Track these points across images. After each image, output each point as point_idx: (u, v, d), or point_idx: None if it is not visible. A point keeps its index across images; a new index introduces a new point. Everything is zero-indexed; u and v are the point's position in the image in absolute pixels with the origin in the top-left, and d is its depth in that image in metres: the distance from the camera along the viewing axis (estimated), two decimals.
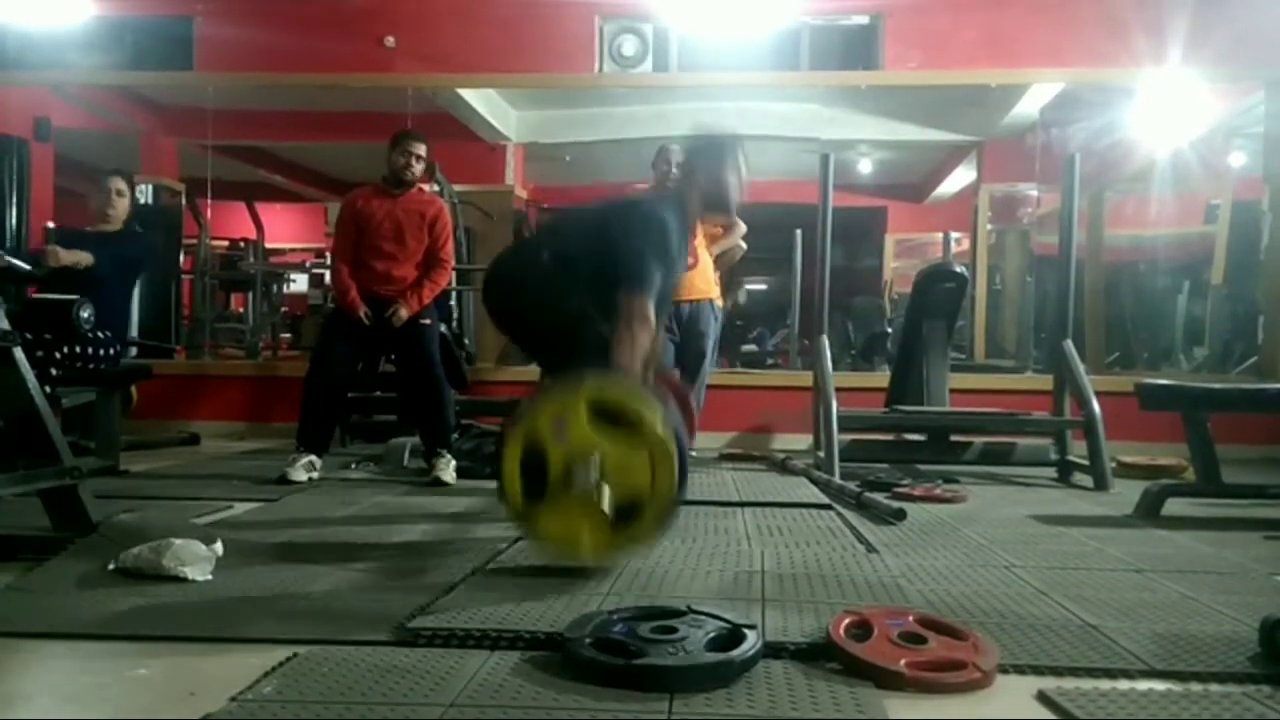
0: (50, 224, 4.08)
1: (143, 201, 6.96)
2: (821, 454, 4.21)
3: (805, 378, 5.12)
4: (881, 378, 5.56)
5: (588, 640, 1.65)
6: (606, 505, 2.14)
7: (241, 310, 8.99)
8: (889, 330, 7.97)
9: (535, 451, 2.19)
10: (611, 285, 2.63)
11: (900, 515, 3.13)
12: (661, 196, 2.94)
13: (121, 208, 4.33)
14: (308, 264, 9.31)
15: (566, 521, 2.18)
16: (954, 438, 4.55)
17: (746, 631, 1.68)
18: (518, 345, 3.20)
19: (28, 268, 3.50)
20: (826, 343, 4.42)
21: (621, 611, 1.81)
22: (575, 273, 2.71)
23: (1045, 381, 4.74)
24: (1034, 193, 7.05)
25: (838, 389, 4.24)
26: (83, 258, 3.99)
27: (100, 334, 3.94)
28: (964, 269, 4.96)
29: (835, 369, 4.42)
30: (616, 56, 5.81)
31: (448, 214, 4.29)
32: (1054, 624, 1.93)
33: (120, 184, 4.33)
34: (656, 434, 2.17)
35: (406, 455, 4.35)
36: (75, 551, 2.36)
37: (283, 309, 8.99)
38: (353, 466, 4.29)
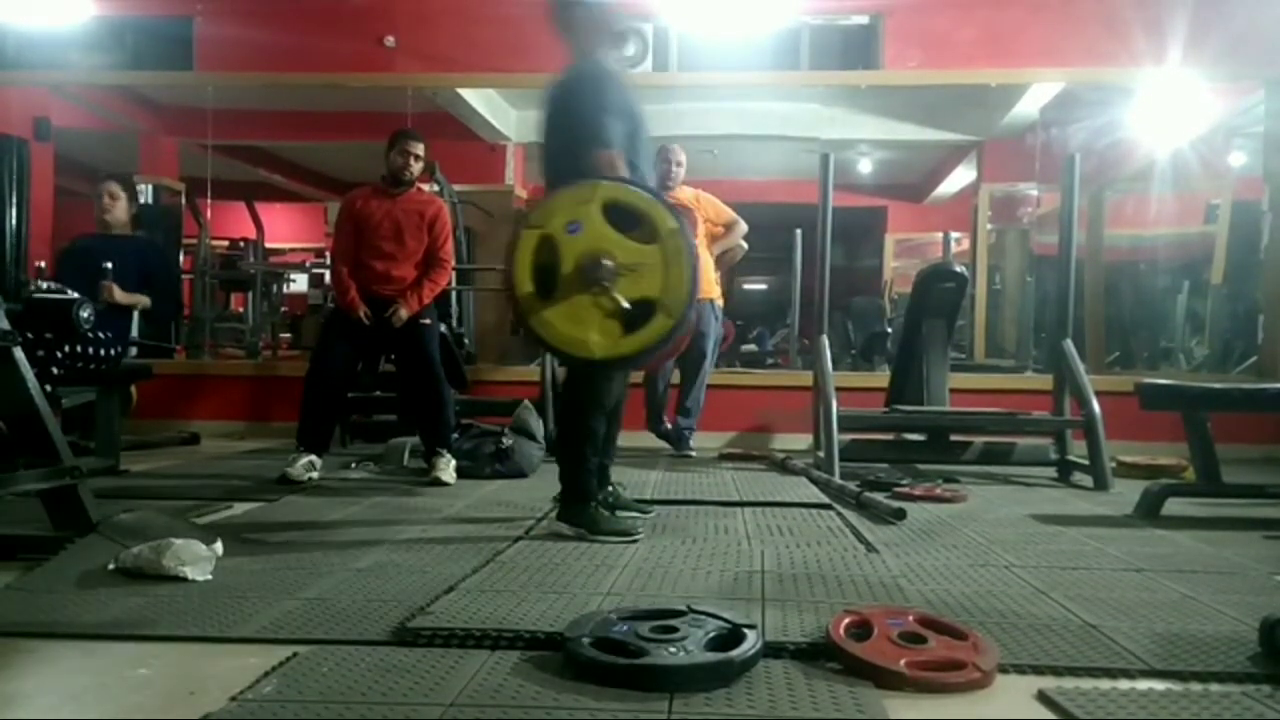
0: (106, 265, 4.21)
1: (143, 201, 6.96)
2: (821, 454, 4.21)
3: (805, 377, 5.12)
4: (881, 377, 5.56)
5: (588, 640, 1.65)
6: (622, 299, 2.10)
7: (241, 310, 9.00)
8: (889, 330, 7.97)
9: (548, 248, 2.16)
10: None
11: (900, 515, 3.13)
12: (570, 67, 2.89)
13: (119, 210, 4.39)
14: (307, 264, 9.32)
15: (576, 320, 2.14)
16: (954, 437, 4.54)
17: (746, 631, 1.68)
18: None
19: (88, 312, 3.49)
20: (826, 342, 4.42)
21: (621, 611, 1.81)
22: (562, 176, 2.64)
23: (1045, 381, 4.74)
24: (1034, 192, 7.06)
25: (837, 389, 4.24)
26: (140, 300, 4.26)
27: (100, 334, 3.94)
28: (964, 269, 4.95)
29: (835, 369, 4.42)
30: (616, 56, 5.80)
31: (447, 214, 4.29)
32: (1054, 624, 1.93)
33: (113, 187, 4.41)
34: (671, 233, 2.14)
35: (406, 455, 4.34)
36: (75, 551, 2.36)
37: (283, 309, 9.00)
38: (353, 466, 4.29)
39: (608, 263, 2.09)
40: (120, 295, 4.08)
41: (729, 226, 4.97)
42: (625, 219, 2.17)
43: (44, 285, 3.46)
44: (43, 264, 5.05)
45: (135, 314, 4.51)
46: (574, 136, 2.66)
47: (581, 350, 2.16)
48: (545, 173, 2.87)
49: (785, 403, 5.47)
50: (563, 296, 2.14)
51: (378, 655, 1.69)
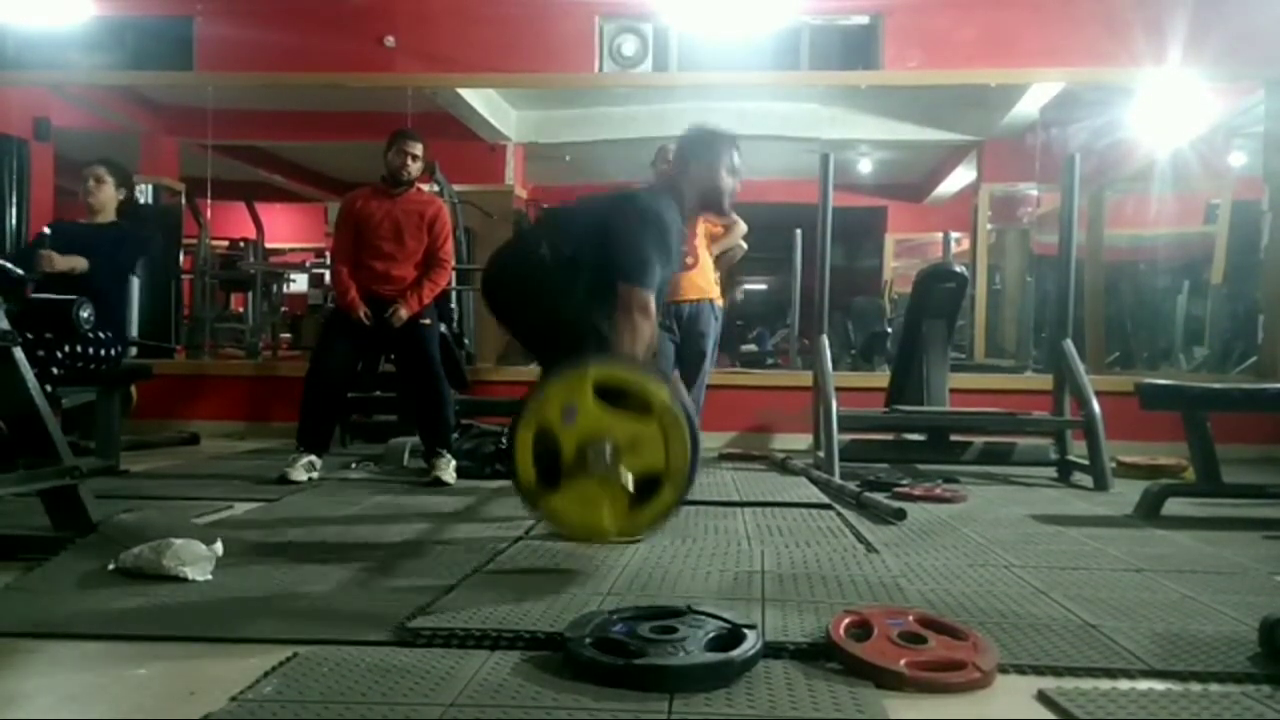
0: (46, 228, 4.03)
1: (143, 201, 6.97)
2: (821, 454, 4.21)
3: (805, 377, 5.12)
4: (881, 377, 5.56)
5: (588, 640, 1.65)
6: (627, 482, 2.13)
7: (241, 310, 9.00)
8: (889, 330, 7.97)
9: (546, 439, 2.19)
10: (611, 281, 2.63)
11: (900, 515, 3.13)
12: (658, 191, 2.93)
13: (105, 195, 4.20)
14: (307, 264, 9.32)
15: (586, 504, 2.17)
16: (954, 437, 4.54)
17: (746, 631, 1.68)
18: (517, 340, 3.21)
19: (20, 272, 3.48)
20: (826, 342, 4.42)
21: (621, 611, 1.81)
22: (574, 268, 2.71)
23: (1045, 381, 4.74)
24: (1034, 192, 7.06)
25: (837, 389, 4.24)
26: (78, 263, 3.92)
27: (100, 334, 3.94)
28: (964, 269, 4.96)
29: (835, 369, 4.42)
30: (616, 56, 5.81)
31: (447, 214, 4.29)
32: (1054, 624, 1.93)
33: (100, 171, 4.22)
34: (665, 407, 2.16)
35: (406, 455, 4.35)
36: (75, 551, 2.36)
37: (282, 309, 9.00)
38: (353, 466, 4.29)
39: (608, 446, 2.13)
40: (59, 261, 3.84)
41: (728, 227, 4.96)
42: (619, 395, 2.20)
43: None
44: None
45: (135, 314, 4.50)
46: (619, 257, 2.65)
47: (597, 534, 2.23)
48: (555, 231, 2.86)
49: (785, 403, 5.47)
50: (569, 484, 2.19)
51: (378, 655, 1.69)
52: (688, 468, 2.19)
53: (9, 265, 3.42)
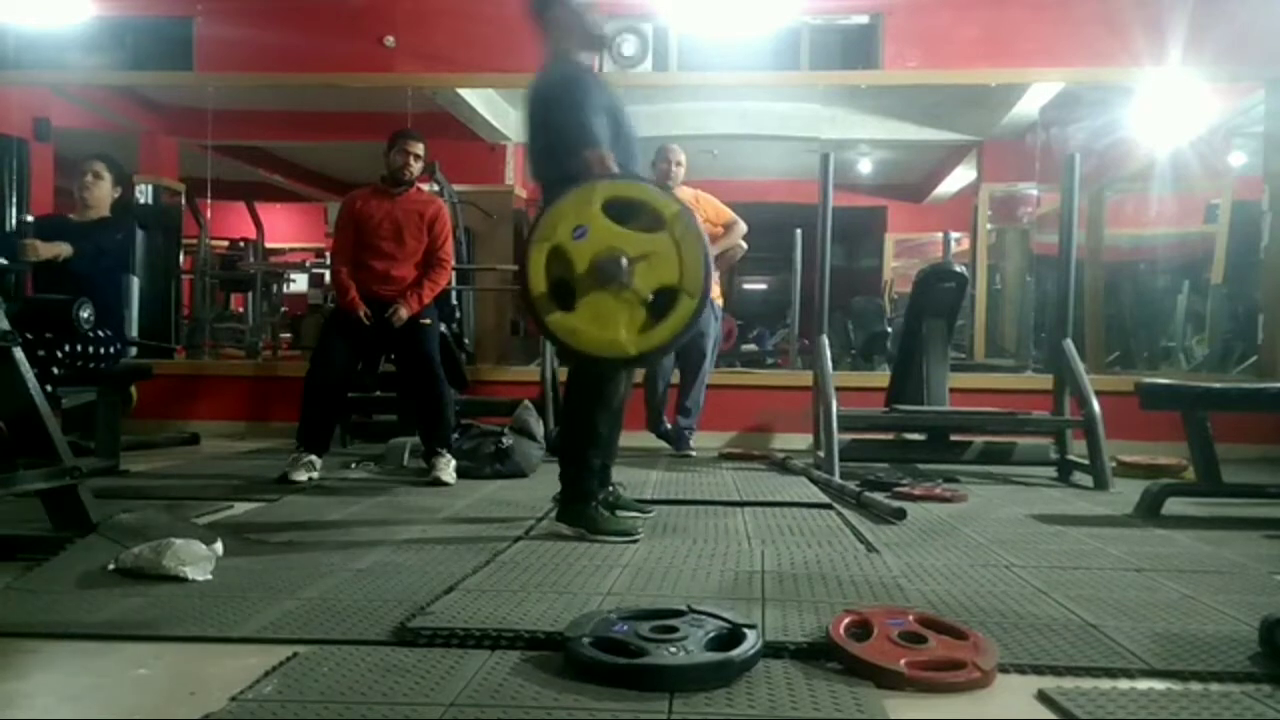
0: (30, 216, 3.97)
1: (143, 201, 6.97)
2: (821, 453, 4.21)
3: (805, 377, 5.12)
4: (881, 377, 5.56)
5: (588, 640, 1.65)
6: (646, 293, 2.10)
7: (241, 310, 9.00)
8: (889, 330, 7.98)
9: (558, 259, 2.16)
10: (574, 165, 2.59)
11: (900, 515, 3.13)
12: (546, 66, 2.89)
13: (100, 192, 4.18)
14: (308, 264, 9.32)
15: (602, 320, 2.13)
16: (954, 437, 4.55)
17: (746, 631, 1.68)
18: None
19: (4, 262, 3.47)
20: (826, 342, 4.41)
21: (622, 611, 1.81)
22: (553, 184, 2.65)
23: (1045, 381, 4.74)
24: (1034, 192, 7.06)
25: (837, 388, 4.24)
26: (62, 249, 3.89)
27: (100, 333, 3.94)
28: (964, 269, 4.95)
29: (835, 368, 4.42)
30: (616, 56, 5.81)
31: (447, 214, 4.29)
32: (1054, 623, 1.93)
33: (98, 166, 4.19)
34: (676, 216, 2.14)
35: (406, 455, 4.35)
36: (75, 551, 2.36)
37: (282, 309, 9.00)
38: (353, 466, 4.29)
39: (622, 258, 2.09)
40: (43, 249, 3.81)
41: (728, 227, 4.96)
42: (628, 212, 2.17)
43: None
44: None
45: (135, 314, 4.49)
46: (561, 139, 2.66)
47: (616, 350, 2.16)
48: (535, 175, 2.87)
49: (785, 402, 5.47)
50: (583, 301, 2.13)
51: (378, 655, 1.69)
52: (703, 278, 2.16)
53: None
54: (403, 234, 4.04)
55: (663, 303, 2.14)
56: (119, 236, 4.22)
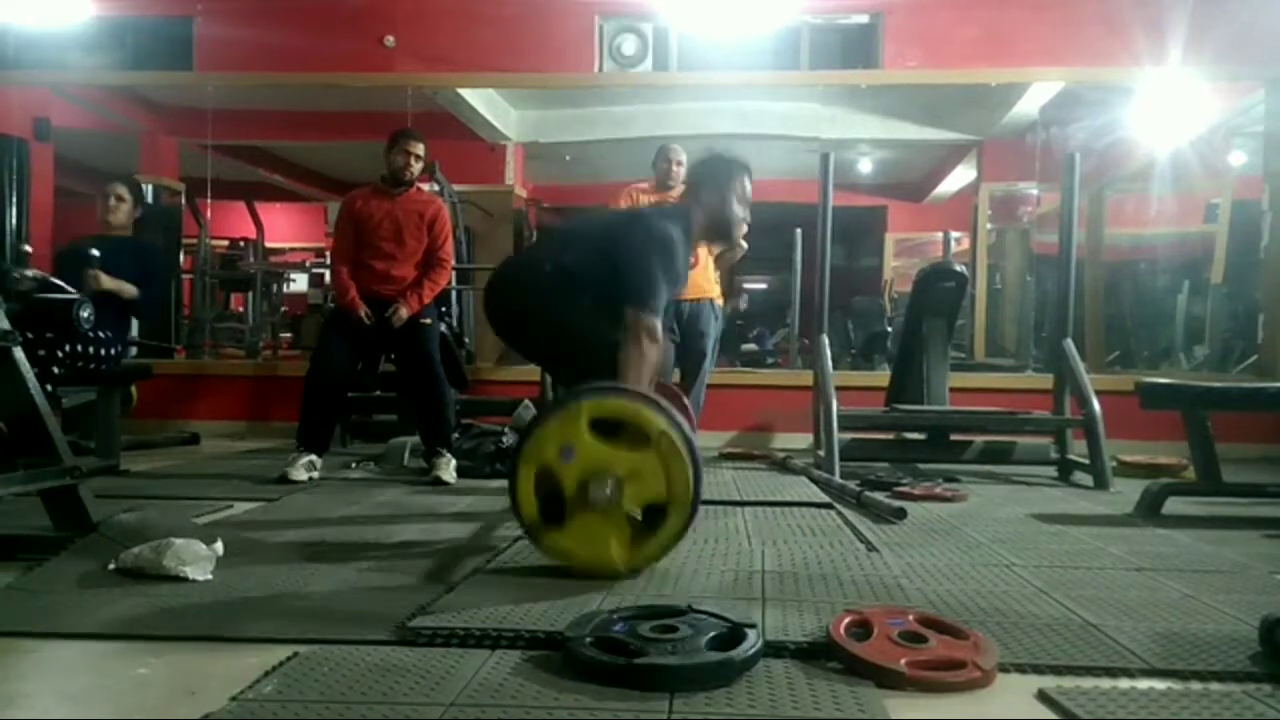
0: (95, 250, 4.11)
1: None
2: (822, 453, 4.21)
3: (805, 377, 5.12)
4: (881, 377, 5.56)
5: (588, 639, 1.65)
6: (634, 511, 2.14)
7: (241, 310, 8.99)
8: (889, 329, 7.97)
9: (547, 478, 2.20)
10: (615, 299, 2.63)
11: (900, 514, 3.13)
12: (667, 213, 2.92)
13: (123, 213, 4.37)
14: (308, 263, 9.31)
15: (593, 540, 2.19)
16: (954, 437, 4.54)
17: (747, 631, 1.68)
18: (526, 357, 3.21)
19: (74, 293, 3.54)
20: (826, 342, 4.42)
21: (622, 611, 1.81)
22: (578, 285, 2.71)
23: (1045, 380, 4.74)
24: (1034, 192, 7.06)
25: (838, 388, 4.24)
26: (127, 289, 4.14)
27: (101, 333, 3.94)
28: (964, 268, 4.95)
29: (835, 368, 4.42)
30: (616, 56, 5.81)
31: (447, 213, 4.29)
32: (1054, 623, 1.93)
33: (120, 190, 4.38)
34: (662, 433, 2.18)
35: (406, 455, 4.35)
36: (76, 551, 2.36)
37: (283, 308, 8.99)
38: (353, 466, 4.29)
39: (608, 480, 2.13)
40: (108, 282, 4.03)
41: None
42: (615, 428, 2.21)
43: (30, 274, 3.43)
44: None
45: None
46: (626, 278, 2.64)
47: (608, 567, 2.21)
48: (561, 247, 2.85)
49: (785, 402, 5.47)
50: (573, 521, 2.19)
51: (378, 655, 1.69)
52: (691, 493, 2.20)
53: (65, 285, 3.49)
54: (403, 234, 4.04)
55: (652, 517, 2.19)
56: (161, 265, 4.51)
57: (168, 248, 6.93)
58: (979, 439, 4.50)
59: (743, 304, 5.07)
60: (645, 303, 2.60)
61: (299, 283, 9.41)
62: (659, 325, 2.64)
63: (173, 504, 3.24)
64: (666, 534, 2.21)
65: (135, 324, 4.55)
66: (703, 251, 4.72)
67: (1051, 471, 4.37)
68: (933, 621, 1.81)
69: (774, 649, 1.72)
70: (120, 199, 4.37)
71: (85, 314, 3.72)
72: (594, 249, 2.78)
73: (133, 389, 5.16)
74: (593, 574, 2.19)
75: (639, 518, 2.18)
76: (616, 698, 1.49)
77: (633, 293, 2.62)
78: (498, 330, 2.94)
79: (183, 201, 7.27)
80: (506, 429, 4.27)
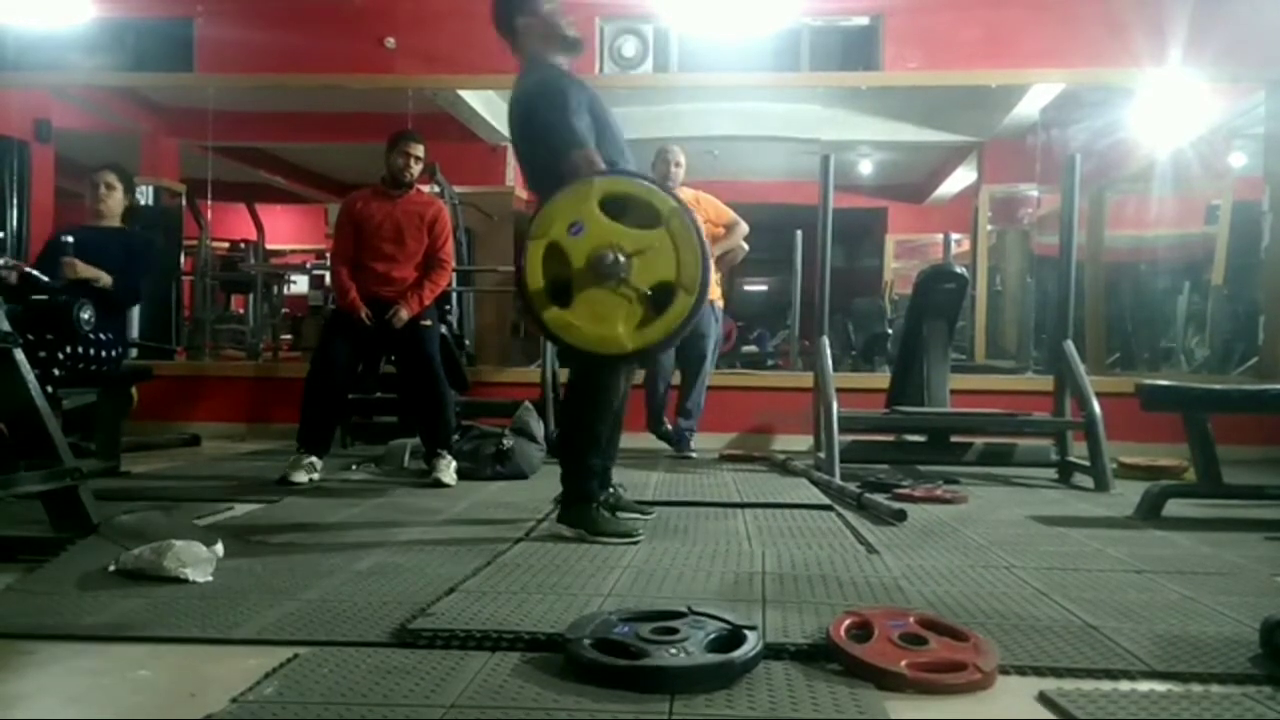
0: (69, 236, 4.03)
1: (143, 203, 6.97)
2: (822, 455, 4.21)
3: (806, 378, 5.12)
4: (882, 378, 5.55)
5: (588, 641, 1.65)
6: (644, 288, 2.10)
7: (242, 311, 9.00)
8: (889, 331, 7.97)
9: (555, 255, 2.16)
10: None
11: (901, 516, 3.13)
12: (521, 74, 2.89)
13: (114, 201, 4.23)
14: (308, 265, 9.32)
15: (599, 316, 2.14)
16: (954, 438, 4.54)
17: (747, 632, 1.68)
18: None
19: (46, 279, 3.52)
20: (827, 343, 4.41)
21: (622, 612, 1.81)
22: (544, 186, 2.64)
23: (1046, 382, 4.74)
24: (1034, 193, 7.06)
25: (838, 390, 4.24)
26: (102, 277, 4.00)
27: (101, 335, 3.94)
28: (964, 270, 4.95)
29: (836, 370, 4.41)
30: (616, 57, 5.81)
31: (447, 215, 4.29)
32: (1054, 625, 1.93)
33: (110, 178, 4.24)
34: (674, 212, 2.14)
35: (407, 456, 4.35)
36: (76, 553, 2.36)
37: (283, 310, 9.00)
38: (353, 468, 4.29)
39: (618, 254, 2.09)
40: (83, 269, 3.91)
41: (729, 227, 4.97)
42: (624, 209, 2.17)
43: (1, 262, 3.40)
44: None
45: (136, 315, 4.49)
46: (547, 144, 2.66)
47: (613, 346, 2.15)
48: (528, 182, 2.87)
49: (786, 404, 5.47)
50: (580, 297, 2.13)
51: (378, 657, 1.69)
52: (700, 274, 2.16)
53: (38, 274, 3.46)
54: (403, 235, 4.05)
55: (660, 299, 2.15)
56: (152, 253, 4.34)
57: (167, 247, 6.94)
58: (979, 441, 4.50)
59: (742, 254, 5.04)
60: (569, 144, 2.57)
61: (299, 284, 9.41)
62: (596, 154, 2.57)
63: (173, 505, 3.24)
64: (674, 314, 2.15)
65: (136, 326, 4.54)
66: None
67: (1052, 473, 4.37)
68: (933, 623, 1.81)
69: (774, 651, 1.72)
70: (110, 187, 4.22)
71: (86, 315, 3.73)
72: (525, 153, 2.80)
73: (133, 390, 5.15)
74: (595, 349, 2.13)
75: (648, 294, 2.13)
76: (617, 699, 1.49)
77: (554, 150, 2.60)
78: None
79: (183, 203, 7.28)
80: (507, 430, 4.27)
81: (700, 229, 2.19)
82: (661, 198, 2.15)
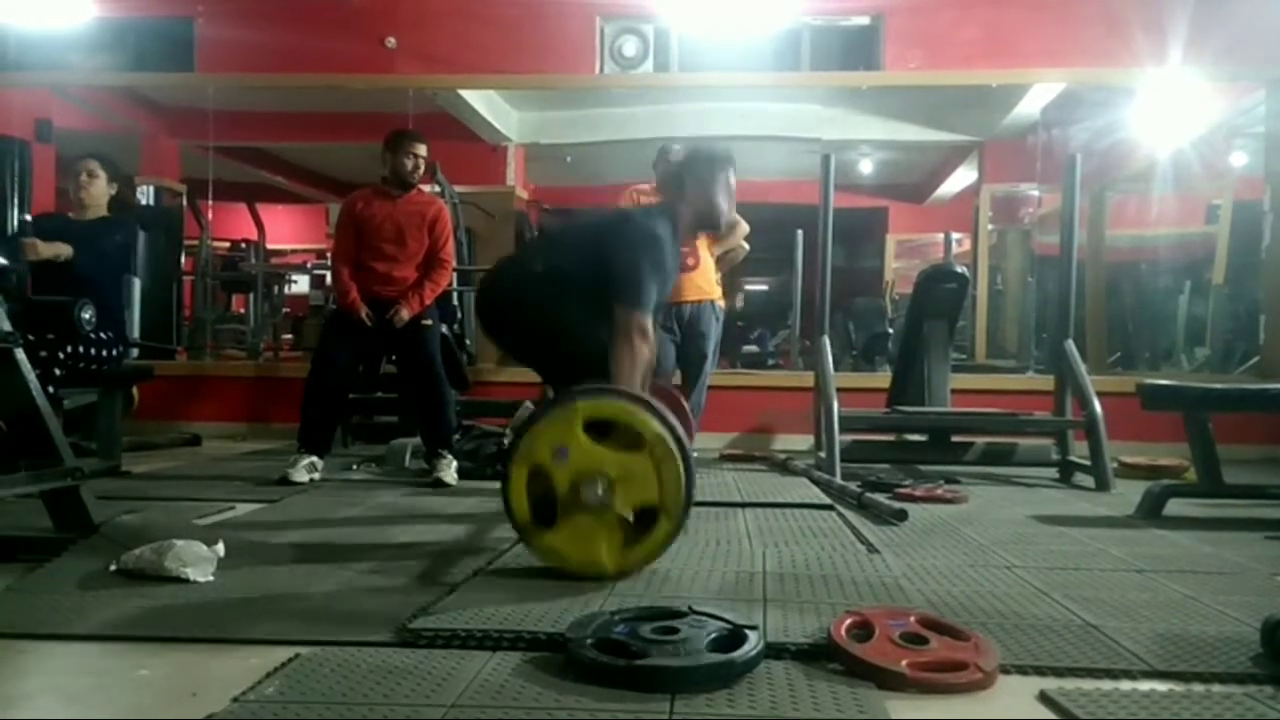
0: (28, 216, 3.94)
1: (144, 202, 6.97)
2: (823, 454, 4.21)
3: (806, 378, 5.12)
4: (883, 378, 5.56)
5: (589, 641, 1.65)
6: (626, 513, 2.15)
7: (243, 311, 9.00)
8: (890, 331, 7.97)
9: (540, 479, 2.21)
10: (605, 299, 2.65)
11: (901, 516, 3.13)
12: (653, 211, 2.95)
13: (96, 191, 4.14)
14: (309, 265, 9.32)
15: (582, 541, 2.20)
16: (955, 438, 4.54)
17: (748, 632, 1.68)
18: (515, 358, 3.22)
19: (4, 262, 3.47)
20: (828, 343, 4.41)
21: (623, 612, 1.81)
22: (570, 285, 2.73)
23: (1046, 382, 4.74)
24: (1035, 193, 7.06)
25: (839, 389, 4.24)
26: (62, 250, 3.87)
27: (102, 334, 3.94)
28: (965, 269, 4.95)
29: (836, 369, 4.42)
30: (617, 57, 5.81)
31: (448, 214, 4.29)
32: (1055, 624, 1.93)
33: (91, 165, 4.15)
34: (656, 438, 2.19)
35: (408, 456, 4.35)
36: (77, 552, 2.36)
37: (284, 310, 9.00)
38: (354, 467, 4.29)
39: (601, 480, 2.14)
40: (44, 249, 3.81)
41: (730, 227, 4.96)
42: (608, 429, 2.22)
43: None
44: None
45: (136, 315, 4.49)
46: (616, 278, 2.67)
47: (596, 570, 2.22)
48: (549, 248, 2.88)
49: (786, 403, 5.47)
50: (564, 522, 2.20)
51: (379, 656, 1.69)
52: (682, 498, 2.21)
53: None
54: (404, 235, 4.04)
55: (643, 522, 2.19)
56: (118, 238, 4.18)
57: (168, 246, 6.94)
58: (980, 440, 4.50)
59: (739, 301, 5.09)
60: (635, 301, 2.63)
61: (300, 284, 9.42)
62: (649, 323, 2.66)
63: (174, 505, 3.24)
64: (656, 539, 2.22)
65: (137, 325, 4.53)
66: (704, 253, 4.73)
67: (1053, 473, 4.37)
68: (934, 623, 1.81)
69: (775, 650, 1.72)
70: (92, 175, 4.13)
71: (87, 315, 3.73)
72: (584, 249, 2.80)
73: (134, 390, 5.16)
74: (582, 575, 2.20)
75: (630, 519, 2.18)
76: (617, 699, 1.50)
77: (623, 291, 2.64)
78: (488, 329, 2.97)
79: (184, 203, 7.28)
80: (507, 430, 4.27)
81: (686, 451, 2.22)
82: (644, 422, 2.20)
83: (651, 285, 2.68)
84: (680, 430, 2.31)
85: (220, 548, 2.38)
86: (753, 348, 9.72)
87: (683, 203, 2.93)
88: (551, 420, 2.25)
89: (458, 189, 6.15)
